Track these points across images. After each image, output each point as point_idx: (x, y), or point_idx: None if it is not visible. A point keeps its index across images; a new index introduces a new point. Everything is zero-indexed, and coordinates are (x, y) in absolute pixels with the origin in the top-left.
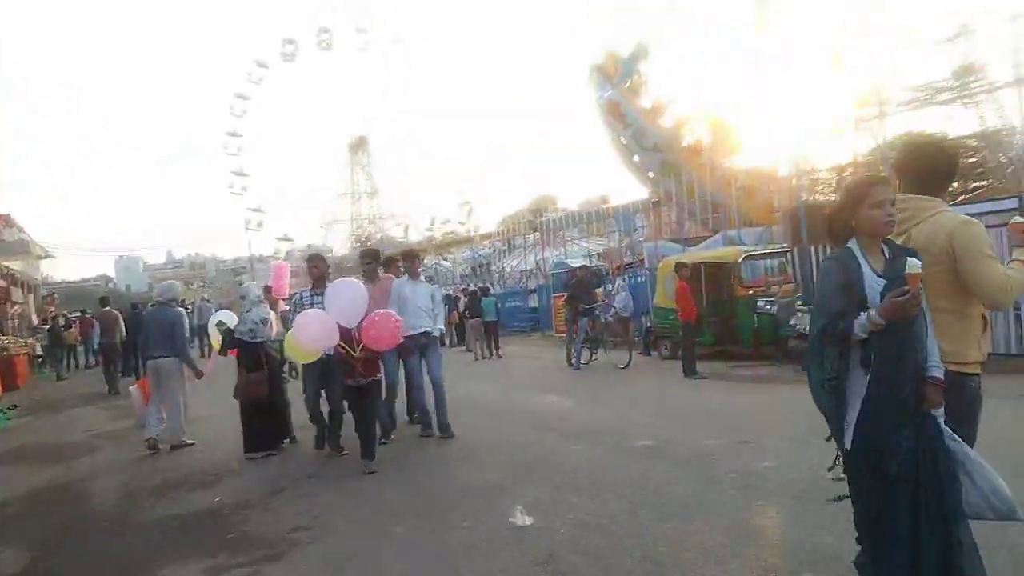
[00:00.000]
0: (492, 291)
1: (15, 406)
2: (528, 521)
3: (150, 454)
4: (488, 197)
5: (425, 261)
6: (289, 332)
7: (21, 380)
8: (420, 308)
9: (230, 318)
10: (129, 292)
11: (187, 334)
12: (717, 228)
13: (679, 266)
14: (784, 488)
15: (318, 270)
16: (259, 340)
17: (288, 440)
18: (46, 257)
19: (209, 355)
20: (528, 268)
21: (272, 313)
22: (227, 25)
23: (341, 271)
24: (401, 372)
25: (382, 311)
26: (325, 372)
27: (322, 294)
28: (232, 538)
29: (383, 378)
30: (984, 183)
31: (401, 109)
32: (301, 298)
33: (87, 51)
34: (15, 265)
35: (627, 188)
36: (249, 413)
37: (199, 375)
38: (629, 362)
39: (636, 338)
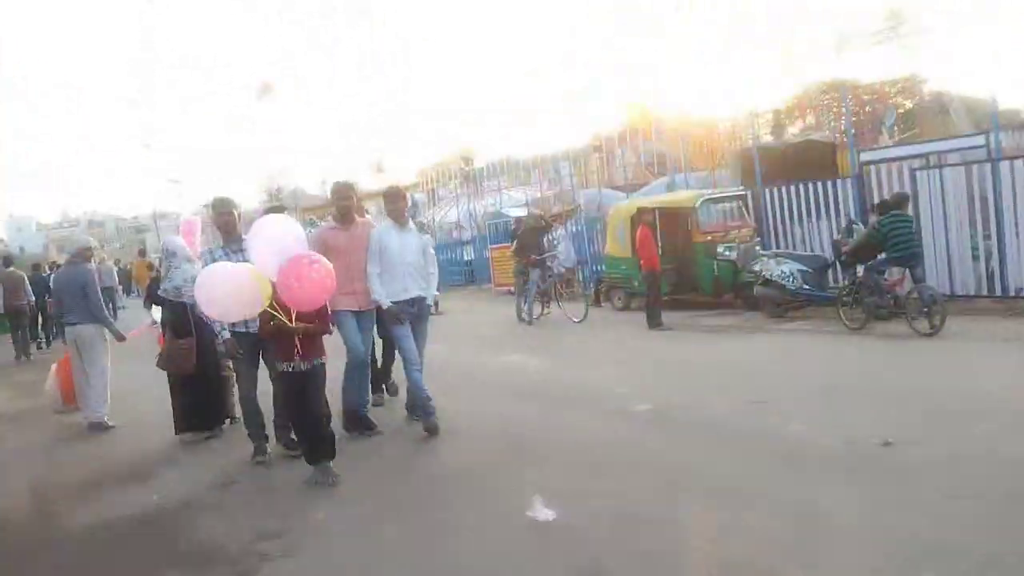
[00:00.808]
0: None
1: None
2: (550, 515)
3: (67, 438)
4: (402, 149)
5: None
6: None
7: None
8: (410, 265)
9: None
10: (24, 254)
11: (99, 294)
12: (657, 174)
13: (642, 212)
14: (831, 460)
15: (228, 219)
16: (186, 301)
17: (229, 420)
18: None
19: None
20: (454, 220)
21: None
22: None
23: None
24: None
25: (298, 254)
26: (262, 346)
27: (239, 251)
28: (184, 552)
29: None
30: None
31: (310, 53)
32: (214, 259)
33: None
34: None
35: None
36: (179, 386)
37: (120, 338)
38: (585, 315)
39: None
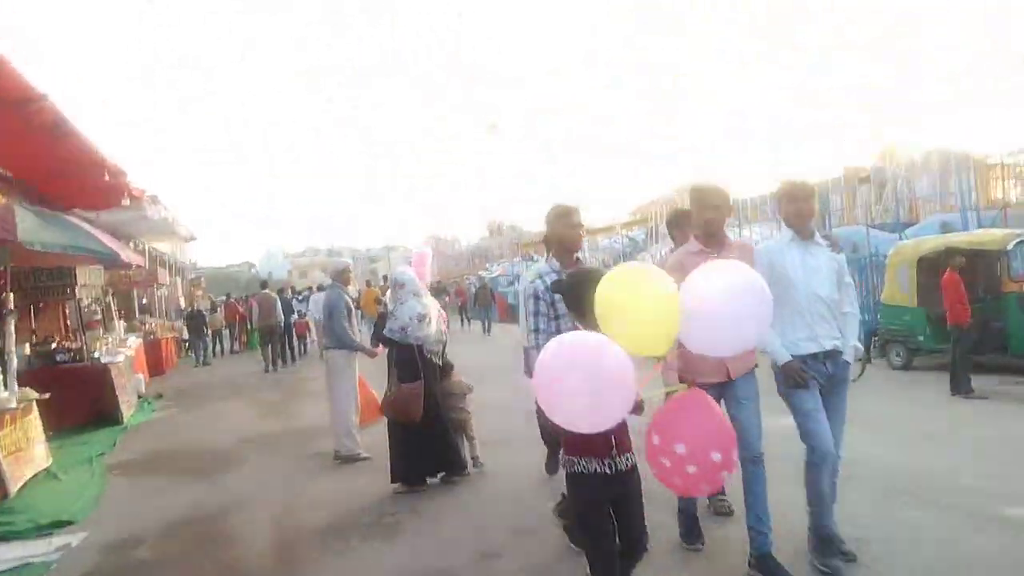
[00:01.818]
0: None
1: (160, 395)
2: None
3: (311, 469)
4: (616, 185)
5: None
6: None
7: (168, 365)
8: (820, 301)
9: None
10: (271, 279)
11: (342, 317)
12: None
13: (952, 254)
14: None
15: (576, 232)
16: (412, 342)
17: (466, 471)
18: (191, 240)
19: None
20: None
21: (434, 306)
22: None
23: (475, 257)
24: None
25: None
26: None
27: None
28: None
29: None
30: None
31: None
32: (546, 291)
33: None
34: (161, 246)
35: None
36: (400, 435)
37: (370, 354)
38: (861, 372)
39: None
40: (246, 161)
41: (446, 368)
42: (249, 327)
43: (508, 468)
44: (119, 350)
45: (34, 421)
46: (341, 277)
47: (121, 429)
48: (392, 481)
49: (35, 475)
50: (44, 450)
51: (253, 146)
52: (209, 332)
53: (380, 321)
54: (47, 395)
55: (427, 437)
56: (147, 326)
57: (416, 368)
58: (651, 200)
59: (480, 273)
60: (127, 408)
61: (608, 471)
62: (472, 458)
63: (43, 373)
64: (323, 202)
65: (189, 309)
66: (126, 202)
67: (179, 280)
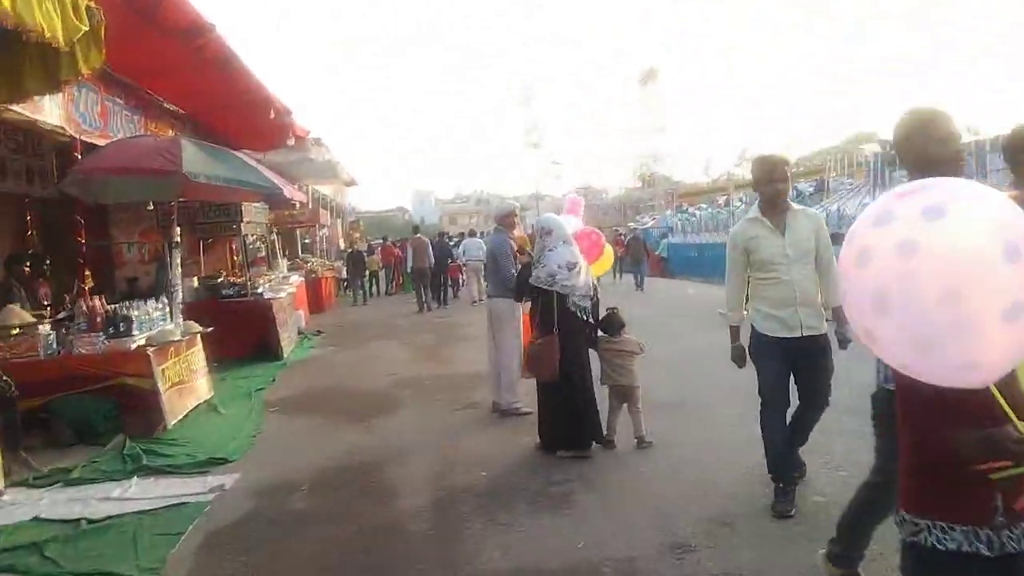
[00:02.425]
0: None
1: (320, 332)
2: None
3: (470, 423)
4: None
5: (721, 201)
6: None
7: (327, 303)
8: None
9: None
10: (424, 224)
11: (511, 265)
12: None
13: None
14: None
15: (957, 150)
16: (557, 291)
17: (601, 442)
18: (352, 184)
19: None
20: (850, 214)
21: (583, 257)
22: None
23: (625, 210)
24: None
25: None
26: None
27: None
28: None
29: None
30: None
31: (695, 40)
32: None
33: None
34: (324, 189)
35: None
36: (545, 395)
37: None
38: None
39: None
40: (399, 109)
41: (613, 325)
42: (405, 269)
43: (687, 438)
44: (282, 287)
45: (198, 353)
46: (505, 221)
47: (280, 365)
48: (538, 439)
49: (196, 406)
50: (207, 382)
51: (405, 94)
52: (368, 272)
53: (522, 272)
54: (211, 329)
55: (573, 400)
56: (309, 265)
57: (551, 320)
58: (818, 150)
59: (631, 224)
60: (287, 344)
61: (989, 551)
62: (636, 438)
63: (209, 306)
64: (473, 150)
65: (349, 250)
66: (291, 142)
67: (339, 222)
